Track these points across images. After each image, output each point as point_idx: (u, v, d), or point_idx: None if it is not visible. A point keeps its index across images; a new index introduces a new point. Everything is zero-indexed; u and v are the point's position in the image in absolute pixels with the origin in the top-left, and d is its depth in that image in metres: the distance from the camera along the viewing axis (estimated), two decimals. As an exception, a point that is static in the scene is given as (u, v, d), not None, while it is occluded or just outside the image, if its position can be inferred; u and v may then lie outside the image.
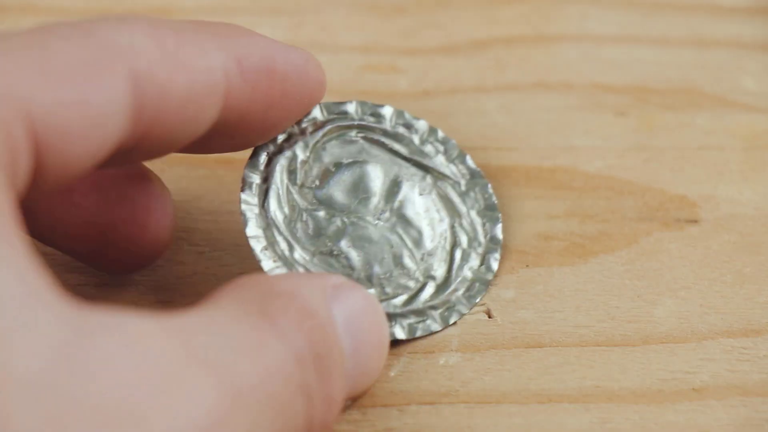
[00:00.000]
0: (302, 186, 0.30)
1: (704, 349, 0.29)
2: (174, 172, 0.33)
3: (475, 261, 0.30)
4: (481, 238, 0.31)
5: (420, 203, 0.31)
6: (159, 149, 0.26)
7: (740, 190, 0.32)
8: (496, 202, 0.31)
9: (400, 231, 0.30)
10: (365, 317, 0.26)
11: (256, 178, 0.30)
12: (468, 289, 0.30)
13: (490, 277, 0.30)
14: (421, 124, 0.31)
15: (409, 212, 0.31)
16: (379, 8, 0.37)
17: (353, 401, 0.28)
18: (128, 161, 0.27)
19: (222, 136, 0.28)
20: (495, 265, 0.30)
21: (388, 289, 0.29)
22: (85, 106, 0.24)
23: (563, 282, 0.30)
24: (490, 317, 0.30)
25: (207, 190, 0.32)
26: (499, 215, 0.31)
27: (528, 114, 0.34)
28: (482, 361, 0.29)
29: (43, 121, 0.23)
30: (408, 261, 0.30)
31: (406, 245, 0.30)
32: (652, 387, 0.28)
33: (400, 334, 0.29)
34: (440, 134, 0.32)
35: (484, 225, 0.31)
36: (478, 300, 0.30)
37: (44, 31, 0.24)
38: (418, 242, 0.30)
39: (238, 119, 0.28)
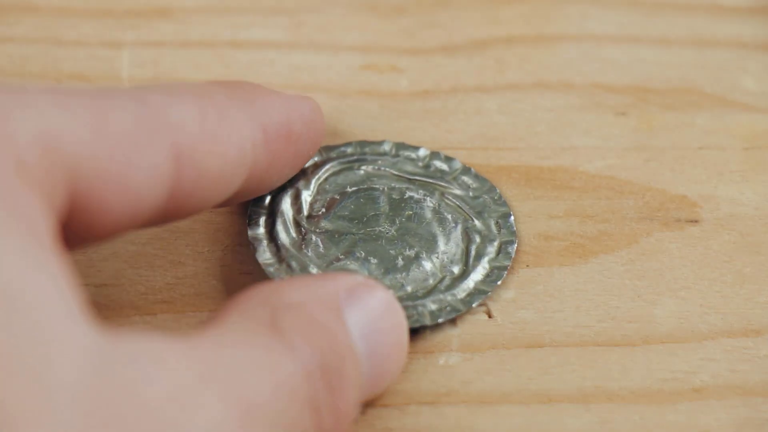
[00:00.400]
0: (309, 216, 0.31)
1: (704, 349, 0.29)
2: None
3: (491, 252, 0.30)
4: (495, 233, 0.31)
5: (430, 213, 0.31)
6: (183, 215, 0.27)
7: (741, 190, 0.32)
8: (505, 200, 0.31)
9: (413, 238, 0.30)
10: (382, 319, 0.26)
11: (262, 214, 0.30)
12: (488, 276, 0.30)
13: (508, 263, 0.30)
14: (422, 151, 0.32)
15: (421, 222, 0.31)
16: (378, 8, 0.37)
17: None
18: (153, 225, 0.27)
19: (242, 195, 0.28)
20: (513, 252, 0.30)
21: (408, 287, 0.29)
22: (126, 177, 0.24)
23: (563, 282, 0.30)
24: (490, 317, 0.29)
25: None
26: (510, 212, 0.31)
27: (528, 114, 0.34)
28: (482, 361, 0.29)
29: (84, 182, 0.24)
30: (425, 262, 0.30)
31: (421, 249, 0.30)
32: (652, 387, 0.28)
33: (425, 320, 0.29)
34: (442, 155, 0.32)
35: (497, 222, 0.31)
36: (499, 283, 0.30)
37: (105, 94, 0.25)
38: (432, 246, 0.30)
39: (257, 183, 0.28)
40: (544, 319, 0.29)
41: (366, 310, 0.26)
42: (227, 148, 0.26)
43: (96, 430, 0.20)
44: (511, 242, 0.31)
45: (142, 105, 0.25)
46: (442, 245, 0.30)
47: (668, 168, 0.33)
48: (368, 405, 0.28)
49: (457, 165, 0.32)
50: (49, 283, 0.21)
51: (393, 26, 0.37)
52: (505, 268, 0.30)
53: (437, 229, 0.31)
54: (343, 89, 0.35)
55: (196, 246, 0.31)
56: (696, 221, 0.32)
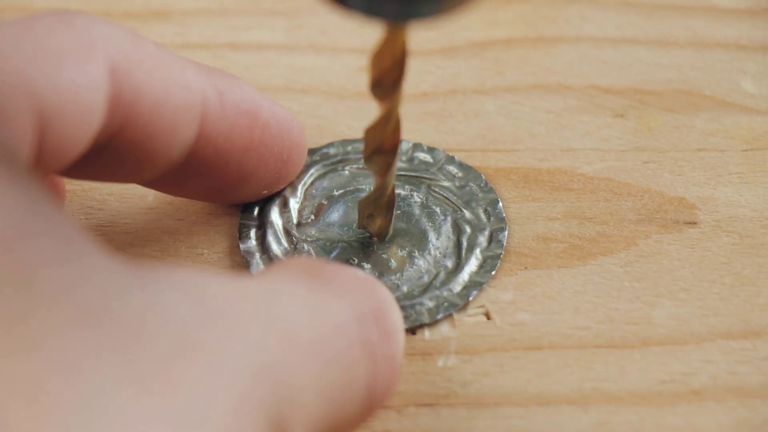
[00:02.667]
0: (299, 224, 0.31)
1: (703, 351, 0.29)
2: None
3: (483, 241, 0.30)
4: (485, 222, 0.31)
5: (418, 209, 0.31)
6: (135, 161, 0.27)
7: (739, 192, 0.32)
8: (492, 187, 0.31)
9: (404, 238, 0.30)
10: (387, 305, 0.26)
11: (252, 226, 0.30)
12: (481, 266, 0.30)
13: (500, 251, 0.30)
14: (404, 145, 0.32)
15: (410, 219, 0.31)
16: (378, 10, 0.37)
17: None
18: (107, 171, 0.27)
19: (199, 171, 0.28)
20: (504, 239, 0.30)
21: (405, 288, 0.29)
22: (76, 87, 0.24)
23: (562, 284, 0.30)
24: (489, 319, 0.29)
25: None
26: (498, 198, 0.31)
27: (527, 115, 0.34)
28: (481, 363, 0.29)
29: (45, 103, 0.24)
30: (418, 260, 0.30)
31: (413, 248, 0.30)
32: (651, 389, 0.28)
33: (423, 318, 0.29)
34: (425, 146, 0.32)
35: (485, 210, 0.31)
36: (493, 273, 0.30)
37: (30, 20, 0.25)
38: (423, 243, 0.30)
39: (215, 155, 0.28)
40: (543, 321, 0.29)
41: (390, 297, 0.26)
42: (169, 84, 0.26)
43: (129, 347, 0.20)
44: (502, 229, 0.31)
45: (69, 25, 0.25)
46: (433, 240, 0.30)
47: (667, 170, 0.33)
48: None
49: (441, 155, 0.32)
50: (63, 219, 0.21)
51: (392, 28, 0.37)
52: (498, 256, 0.30)
53: (427, 225, 0.31)
54: (342, 91, 0.35)
55: (195, 248, 0.31)
56: (695, 223, 0.32)
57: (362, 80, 0.35)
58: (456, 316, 0.29)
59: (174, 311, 0.21)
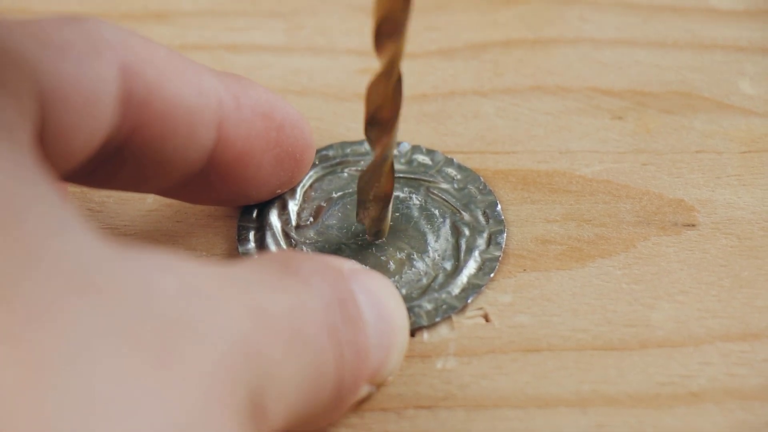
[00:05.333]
0: (297, 227, 0.31)
1: (702, 354, 0.29)
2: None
3: (482, 244, 0.30)
4: (484, 224, 0.31)
5: (417, 211, 0.31)
6: (153, 166, 0.27)
7: (738, 194, 0.32)
8: (491, 189, 0.31)
9: (403, 240, 0.30)
10: (385, 295, 0.26)
11: (251, 228, 0.30)
12: (480, 269, 0.30)
13: (499, 253, 0.30)
14: (404, 146, 0.32)
15: (408, 221, 0.31)
16: (376, 11, 0.37)
17: (377, 387, 0.28)
18: (125, 177, 0.27)
19: (220, 177, 0.28)
20: (503, 242, 0.30)
21: (404, 290, 0.29)
22: (81, 80, 0.24)
23: (561, 286, 0.30)
24: (487, 321, 0.30)
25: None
26: (497, 201, 0.31)
27: (525, 117, 0.34)
28: (480, 366, 0.29)
29: (47, 90, 0.24)
30: (417, 263, 0.30)
31: (411, 250, 0.30)
32: (649, 391, 0.28)
33: (422, 321, 0.29)
34: (423, 148, 0.32)
35: (484, 213, 0.31)
36: (492, 275, 0.30)
37: (38, 20, 0.25)
38: (422, 245, 0.30)
39: (235, 159, 0.28)
40: (542, 323, 0.29)
41: (368, 284, 0.26)
42: (184, 87, 0.26)
43: (106, 318, 0.20)
44: (501, 232, 0.31)
45: (78, 26, 0.25)
46: (432, 242, 0.30)
47: (665, 172, 0.33)
48: (366, 408, 0.28)
49: (440, 157, 0.32)
50: (45, 193, 0.21)
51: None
52: (496, 259, 0.30)
53: (426, 227, 0.31)
54: (341, 93, 0.35)
55: (193, 250, 0.31)
56: (693, 225, 0.32)
57: (361, 82, 0.35)
58: (455, 318, 0.29)
59: (155, 283, 0.21)
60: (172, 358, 0.20)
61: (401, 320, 0.27)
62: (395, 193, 0.31)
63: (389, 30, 0.25)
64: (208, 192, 0.29)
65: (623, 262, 0.31)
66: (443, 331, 0.29)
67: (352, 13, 0.37)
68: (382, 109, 0.27)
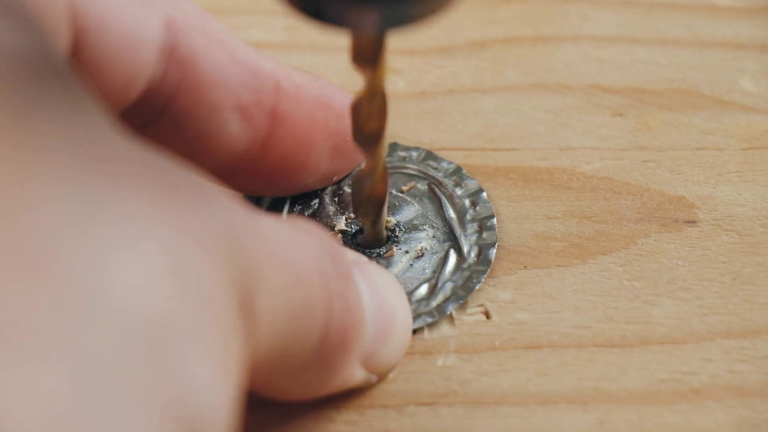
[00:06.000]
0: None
1: (703, 350, 0.29)
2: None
3: (473, 234, 0.30)
4: (471, 211, 0.31)
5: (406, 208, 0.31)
6: (198, 133, 0.27)
7: (739, 191, 0.32)
8: (476, 181, 0.32)
9: (402, 247, 0.30)
10: (387, 286, 0.26)
11: None
12: (478, 255, 0.30)
13: (494, 239, 0.30)
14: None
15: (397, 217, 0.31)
16: (376, 9, 0.37)
17: (377, 378, 0.27)
18: (169, 138, 0.27)
19: (277, 165, 0.28)
20: (495, 225, 0.31)
21: (408, 287, 0.30)
22: (120, 17, 0.24)
23: (561, 283, 0.30)
24: (488, 318, 0.29)
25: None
26: (483, 191, 0.31)
27: (526, 114, 0.34)
28: (480, 363, 0.29)
29: (82, 17, 0.24)
30: (417, 261, 0.30)
31: (410, 247, 0.30)
32: (650, 388, 0.28)
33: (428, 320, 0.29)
34: (401, 145, 0.32)
35: (472, 202, 0.31)
36: (491, 260, 0.30)
37: None
38: (420, 242, 0.30)
39: (294, 148, 0.28)
40: (542, 320, 0.29)
41: (370, 274, 0.26)
42: (234, 59, 0.27)
43: (123, 182, 0.20)
44: (490, 216, 0.31)
45: None
46: (429, 238, 0.31)
47: (666, 169, 0.33)
48: (366, 405, 0.28)
49: (420, 150, 0.32)
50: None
51: (391, 27, 0.37)
52: (493, 244, 0.30)
53: (414, 222, 0.31)
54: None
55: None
56: (694, 222, 0.32)
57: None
58: (455, 314, 0.29)
59: (166, 170, 0.21)
60: (176, 213, 0.20)
61: (402, 314, 0.27)
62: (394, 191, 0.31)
63: (366, 56, 0.25)
64: (266, 179, 0.29)
65: (624, 258, 0.31)
66: (444, 328, 0.29)
67: (352, 11, 0.37)
68: (369, 123, 0.27)
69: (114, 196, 0.19)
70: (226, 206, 0.21)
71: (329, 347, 0.24)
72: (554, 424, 0.27)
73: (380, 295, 0.26)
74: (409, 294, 0.29)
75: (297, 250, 0.23)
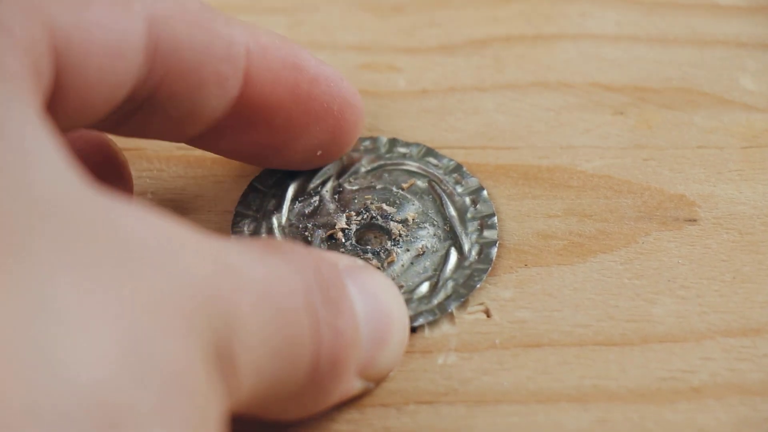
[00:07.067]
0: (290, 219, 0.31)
1: (703, 349, 0.29)
2: (172, 171, 0.33)
3: (474, 232, 0.30)
4: (472, 209, 0.31)
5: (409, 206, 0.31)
6: (180, 115, 0.27)
7: (739, 189, 0.32)
8: (476, 179, 0.32)
9: (403, 249, 0.30)
10: (381, 290, 0.26)
11: (248, 216, 0.31)
12: (479, 253, 0.30)
13: (495, 238, 0.30)
14: (381, 139, 0.32)
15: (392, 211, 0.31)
16: (377, 7, 0.37)
17: (376, 384, 0.27)
18: (152, 126, 0.27)
19: (246, 126, 0.28)
20: (496, 224, 0.31)
21: (408, 284, 0.30)
22: (104, 31, 0.24)
23: (562, 281, 0.30)
24: (488, 317, 0.29)
25: (205, 189, 0.32)
26: (483, 189, 0.31)
27: (526, 113, 0.34)
28: (481, 361, 0.29)
29: (64, 41, 0.23)
30: (419, 259, 0.30)
31: (412, 246, 0.30)
32: (651, 386, 0.28)
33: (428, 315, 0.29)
34: (401, 141, 0.32)
35: (472, 201, 0.31)
36: (493, 259, 0.30)
37: None
38: (422, 240, 0.30)
39: (261, 108, 0.28)
40: (543, 318, 0.29)
41: (364, 280, 0.26)
42: (212, 37, 0.26)
43: (77, 244, 0.19)
44: (491, 215, 0.31)
45: None
46: (429, 236, 0.31)
47: (667, 167, 0.33)
48: (367, 404, 0.28)
49: (421, 146, 0.32)
50: (40, 136, 0.21)
51: (392, 25, 0.37)
52: (494, 243, 0.30)
53: (410, 216, 0.31)
54: (342, 88, 0.35)
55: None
56: (694, 220, 0.32)
57: (362, 77, 0.35)
58: (456, 313, 0.29)
59: (128, 227, 0.20)
60: (133, 300, 0.19)
61: (398, 316, 0.27)
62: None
63: None
64: (238, 142, 0.29)
65: (624, 257, 0.31)
66: (444, 326, 0.29)
67: (352, 9, 0.37)
68: None
69: (54, 282, 0.19)
70: (194, 253, 0.21)
71: (322, 373, 0.24)
72: (555, 422, 0.27)
73: (375, 300, 0.26)
74: (410, 292, 0.29)
75: (278, 281, 0.23)
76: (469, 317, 0.29)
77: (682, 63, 0.36)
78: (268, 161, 0.31)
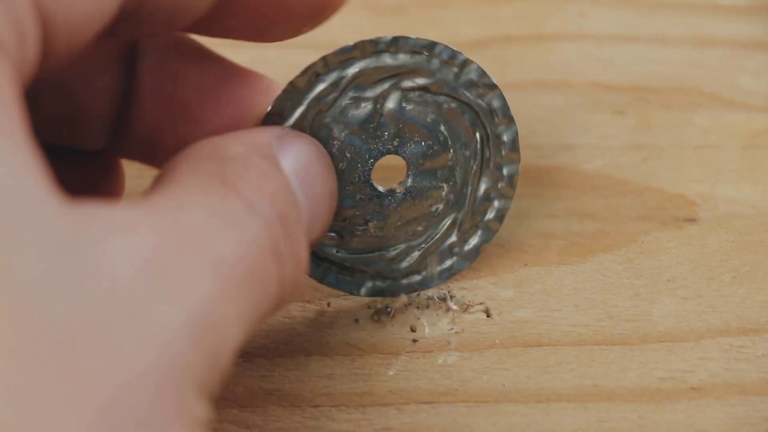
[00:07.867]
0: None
1: (702, 348, 0.29)
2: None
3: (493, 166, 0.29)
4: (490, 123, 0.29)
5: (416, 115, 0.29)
6: (168, 13, 0.26)
7: (738, 189, 0.32)
8: (490, 76, 0.29)
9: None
10: (313, 166, 0.26)
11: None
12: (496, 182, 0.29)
13: (517, 165, 0.29)
14: (385, 38, 0.29)
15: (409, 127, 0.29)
16: (378, 7, 0.37)
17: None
18: (136, 30, 0.26)
19: (233, 6, 0.27)
20: (517, 146, 0.29)
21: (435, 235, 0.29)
22: None
23: (562, 281, 0.30)
24: (488, 316, 0.30)
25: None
26: (496, 86, 0.29)
27: (527, 113, 0.34)
28: (481, 360, 0.29)
29: None
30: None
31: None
32: (650, 386, 0.28)
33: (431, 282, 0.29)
34: (412, 38, 0.29)
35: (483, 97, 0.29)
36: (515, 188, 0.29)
37: None
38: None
39: None
40: (543, 318, 0.29)
41: (297, 155, 0.26)
42: None
43: (66, 316, 0.19)
44: (511, 125, 0.29)
45: None
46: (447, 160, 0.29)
47: (666, 167, 0.33)
48: (367, 403, 0.28)
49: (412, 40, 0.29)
50: (16, 164, 0.20)
51: (392, 25, 0.37)
52: (514, 178, 0.29)
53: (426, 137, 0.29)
54: (342, 88, 0.35)
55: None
56: (694, 220, 0.32)
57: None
58: (456, 312, 0.30)
59: (110, 270, 0.20)
60: (113, 361, 0.19)
61: (329, 188, 0.27)
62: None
63: None
64: (226, 23, 0.28)
65: (624, 256, 0.31)
66: (444, 326, 0.29)
67: (353, 9, 0.37)
68: None
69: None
70: (181, 305, 0.21)
71: (284, 298, 0.25)
72: (554, 422, 0.27)
73: (307, 178, 0.26)
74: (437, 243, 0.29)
75: (253, 250, 0.23)
76: (469, 317, 0.29)
77: (681, 63, 0.36)
78: (257, 37, 0.30)
